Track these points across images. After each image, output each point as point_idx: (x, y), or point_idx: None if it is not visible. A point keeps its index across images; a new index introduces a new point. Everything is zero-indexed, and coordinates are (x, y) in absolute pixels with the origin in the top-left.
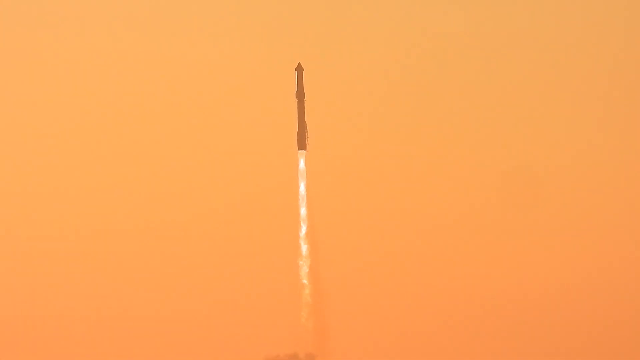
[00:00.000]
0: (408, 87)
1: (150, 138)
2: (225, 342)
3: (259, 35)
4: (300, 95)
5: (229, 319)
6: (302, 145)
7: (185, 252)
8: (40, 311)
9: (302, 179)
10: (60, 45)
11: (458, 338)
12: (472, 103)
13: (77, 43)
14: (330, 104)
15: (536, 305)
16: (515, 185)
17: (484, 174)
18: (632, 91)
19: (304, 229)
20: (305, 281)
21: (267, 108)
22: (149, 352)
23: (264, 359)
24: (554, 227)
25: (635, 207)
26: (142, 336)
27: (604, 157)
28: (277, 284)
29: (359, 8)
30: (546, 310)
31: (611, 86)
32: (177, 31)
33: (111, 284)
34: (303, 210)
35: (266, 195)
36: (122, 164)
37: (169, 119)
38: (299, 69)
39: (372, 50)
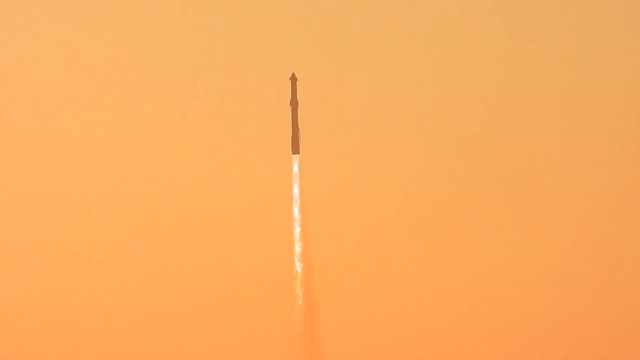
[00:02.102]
0: (396, 96)
1: (149, 140)
2: (216, 348)
3: (256, 46)
4: (294, 103)
5: (220, 321)
6: (295, 149)
7: (179, 250)
8: (38, 312)
9: (296, 181)
10: (51, 48)
11: (457, 339)
12: (468, 109)
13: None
14: (322, 111)
15: (535, 309)
16: (511, 187)
17: (479, 177)
18: (631, 90)
19: (297, 229)
20: (298, 269)
21: (263, 115)
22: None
23: None
24: (553, 228)
25: (633, 206)
26: (129, 343)
27: (602, 158)
28: (270, 279)
29: (350, 24)
30: (546, 312)
31: (609, 85)
32: (176, 40)
33: (98, 284)
34: (296, 211)
35: (261, 195)
36: (119, 165)
37: (167, 121)
38: (293, 79)
39: (362, 63)
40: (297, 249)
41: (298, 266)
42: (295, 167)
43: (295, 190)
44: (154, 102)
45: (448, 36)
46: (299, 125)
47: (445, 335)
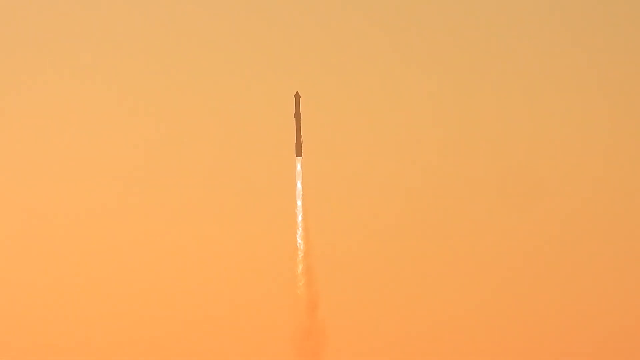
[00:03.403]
0: (387, 108)
1: (165, 144)
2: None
3: (264, 68)
4: (297, 115)
5: (221, 320)
6: (299, 152)
7: (183, 249)
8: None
9: (299, 178)
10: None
11: (457, 339)
12: (468, 117)
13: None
14: (321, 123)
15: (535, 309)
16: (511, 192)
17: (476, 175)
18: (630, 89)
19: (299, 218)
20: (299, 268)
21: (271, 125)
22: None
23: None
24: (552, 228)
25: (633, 206)
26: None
27: (601, 157)
28: (273, 272)
29: (347, 47)
30: (545, 313)
31: (609, 85)
32: (195, 63)
33: (98, 285)
34: (299, 203)
35: (268, 191)
36: (127, 168)
37: (185, 130)
38: (297, 96)
39: (357, 81)
40: (300, 236)
41: (300, 255)
42: (299, 167)
43: (299, 186)
44: (171, 117)
45: (444, 57)
46: (301, 133)
47: (445, 335)
